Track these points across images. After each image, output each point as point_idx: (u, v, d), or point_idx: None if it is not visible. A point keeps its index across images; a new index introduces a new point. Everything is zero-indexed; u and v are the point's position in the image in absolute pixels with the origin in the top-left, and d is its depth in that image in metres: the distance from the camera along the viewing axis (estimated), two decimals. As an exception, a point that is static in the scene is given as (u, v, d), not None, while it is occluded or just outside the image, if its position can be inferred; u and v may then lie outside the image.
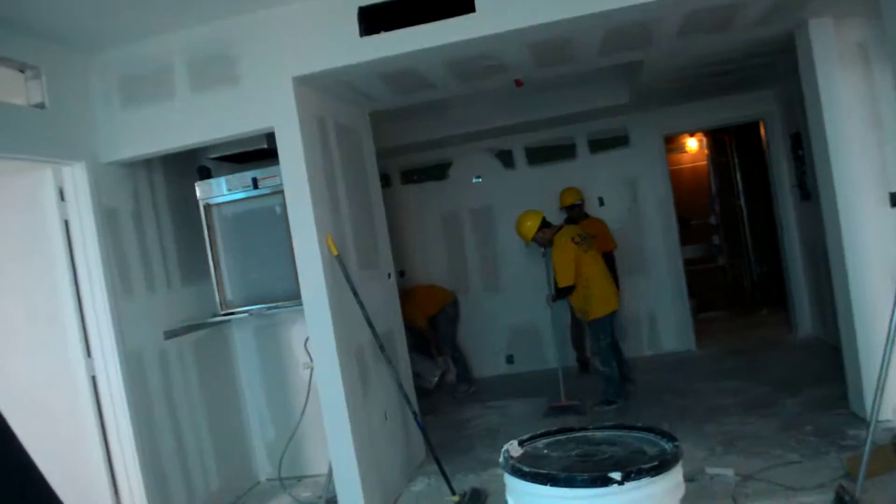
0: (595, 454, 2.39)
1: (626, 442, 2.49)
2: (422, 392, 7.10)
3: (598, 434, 2.62)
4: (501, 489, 4.35)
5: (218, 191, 4.69)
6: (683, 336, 7.58)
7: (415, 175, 8.02)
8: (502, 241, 7.71)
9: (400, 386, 4.44)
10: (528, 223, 6.00)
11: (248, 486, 5.11)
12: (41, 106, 3.81)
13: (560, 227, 6.06)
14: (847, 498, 3.33)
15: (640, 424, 2.62)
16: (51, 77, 3.86)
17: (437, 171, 7.95)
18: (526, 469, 2.24)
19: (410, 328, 7.25)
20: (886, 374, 3.48)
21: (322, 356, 4.02)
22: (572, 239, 5.89)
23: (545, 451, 2.52)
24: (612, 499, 2.10)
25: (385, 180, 7.83)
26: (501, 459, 2.42)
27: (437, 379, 7.26)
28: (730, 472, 4.12)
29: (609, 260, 7.01)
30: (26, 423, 3.32)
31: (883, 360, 3.45)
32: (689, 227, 9.53)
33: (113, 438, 4.02)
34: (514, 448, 2.52)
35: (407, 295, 7.27)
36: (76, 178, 3.99)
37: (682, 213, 8.33)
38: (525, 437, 2.65)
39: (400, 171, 8.02)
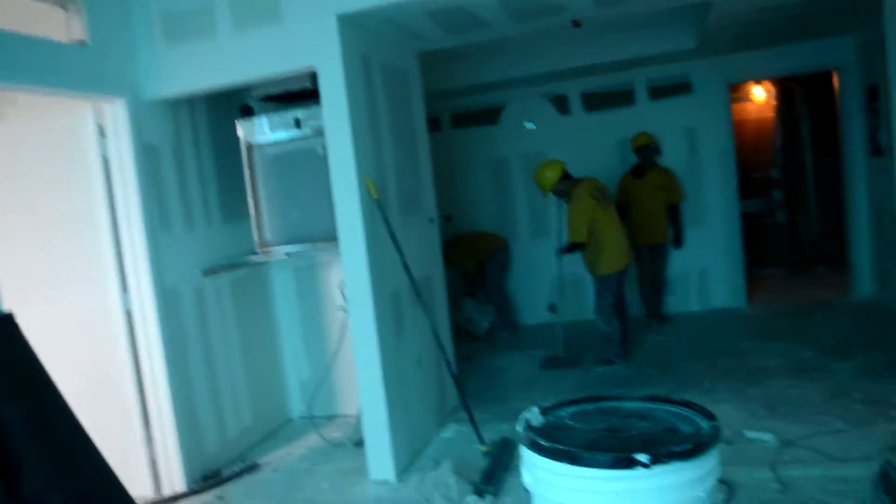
0: (623, 429, 2.17)
1: (659, 417, 2.26)
2: (471, 337, 7.13)
3: (629, 405, 2.38)
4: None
5: (260, 131, 4.64)
6: (735, 293, 7.34)
7: (466, 119, 7.85)
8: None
9: (435, 333, 4.40)
10: (548, 173, 5.83)
11: (279, 423, 5.21)
12: (82, 42, 3.80)
13: (580, 180, 5.83)
14: (894, 474, 3.18)
15: (676, 398, 2.38)
16: (91, 12, 3.83)
17: (489, 116, 7.76)
18: (544, 444, 2.05)
19: (461, 274, 7.23)
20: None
21: (356, 300, 3.99)
22: (591, 194, 5.69)
23: (569, 421, 2.31)
24: (638, 483, 1.89)
25: (435, 124, 7.71)
26: (519, 428, 2.23)
27: (487, 325, 7.23)
28: (770, 438, 4.00)
29: (675, 212, 6.99)
30: (64, 353, 3.44)
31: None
32: (749, 180, 9.15)
33: (146, 372, 4.11)
34: (535, 416, 2.31)
35: (457, 240, 7.23)
36: (116, 114, 4.00)
37: (743, 166, 8.00)
38: (549, 404, 2.45)
39: (451, 115, 7.86)
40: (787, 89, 9.10)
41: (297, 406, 5.31)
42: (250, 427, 4.87)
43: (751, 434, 4.08)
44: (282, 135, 4.59)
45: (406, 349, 4.36)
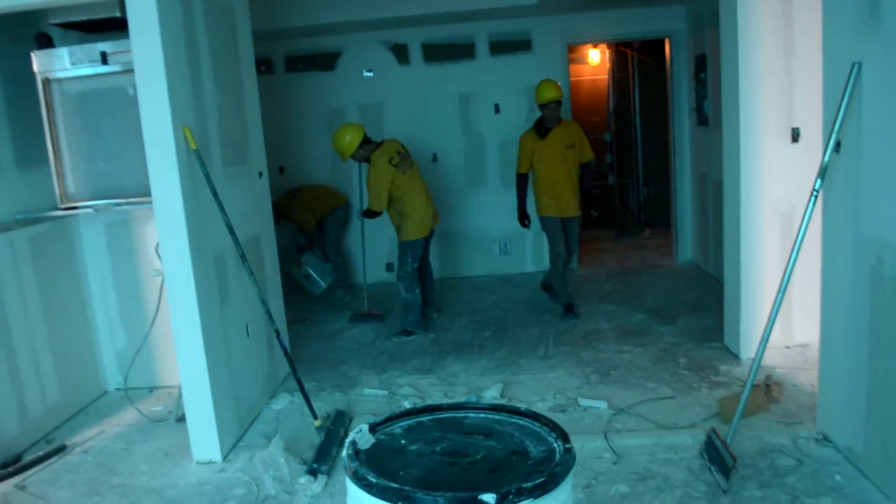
0: (465, 452, 1.86)
1: (506, 433, 1.96)
2: (308, 295, 6.79)
3: (472, 417, 2.07)
4: (367, 410, 4.17)
5: (60, 64, 4.01)
6: (567, 254, 7.46)
7: (300, 63, 7.34)
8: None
9: (263, 301, 4.03)
10: (347, 138, 5.47)
11: (93, 397, 4.67)
12: None
13: (380, 145, 5.54)
14: (718, 443, 3.26)
15: (523, 408, 2.07)
16: None
17: (326, 61, 7.31)
18: (373, 479, 1.68)
19: (300, 229, 6.82)
20: (776, 316, 3.36)
21: (174, 264, 3.55)
22: (390, 160, 5.43)
23: (403, 440, 1.96)
24: None
25: (266, 66, 7.17)
26: (345, 454, 1.85)
27: (325, 285, 6.89)
28: (603, 405, 4.03)
29: (587, 170, 6.04)
30: None
31: (776, 301, 3.33)
32: (583, 142, 9.33)
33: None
34: (363, 438, 1.92)
35: (296, 195, 6.79)
36: None
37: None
38: (380, 419, 2.05)
39: (284, 58, 7.32)
40: (621, 53, 9.31)
41: (112, 377, 4.77)
42: (58, 403, 4.30)
43: (585, 402, 4.10)
44: (86, 70, 3.99)
45: (232, 316, 3.98)
